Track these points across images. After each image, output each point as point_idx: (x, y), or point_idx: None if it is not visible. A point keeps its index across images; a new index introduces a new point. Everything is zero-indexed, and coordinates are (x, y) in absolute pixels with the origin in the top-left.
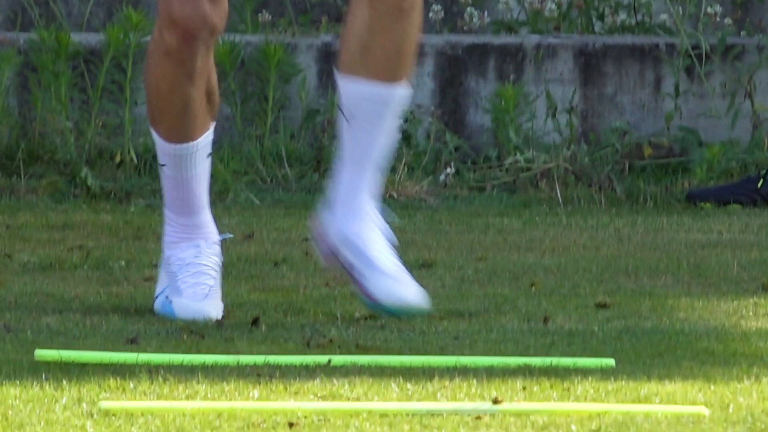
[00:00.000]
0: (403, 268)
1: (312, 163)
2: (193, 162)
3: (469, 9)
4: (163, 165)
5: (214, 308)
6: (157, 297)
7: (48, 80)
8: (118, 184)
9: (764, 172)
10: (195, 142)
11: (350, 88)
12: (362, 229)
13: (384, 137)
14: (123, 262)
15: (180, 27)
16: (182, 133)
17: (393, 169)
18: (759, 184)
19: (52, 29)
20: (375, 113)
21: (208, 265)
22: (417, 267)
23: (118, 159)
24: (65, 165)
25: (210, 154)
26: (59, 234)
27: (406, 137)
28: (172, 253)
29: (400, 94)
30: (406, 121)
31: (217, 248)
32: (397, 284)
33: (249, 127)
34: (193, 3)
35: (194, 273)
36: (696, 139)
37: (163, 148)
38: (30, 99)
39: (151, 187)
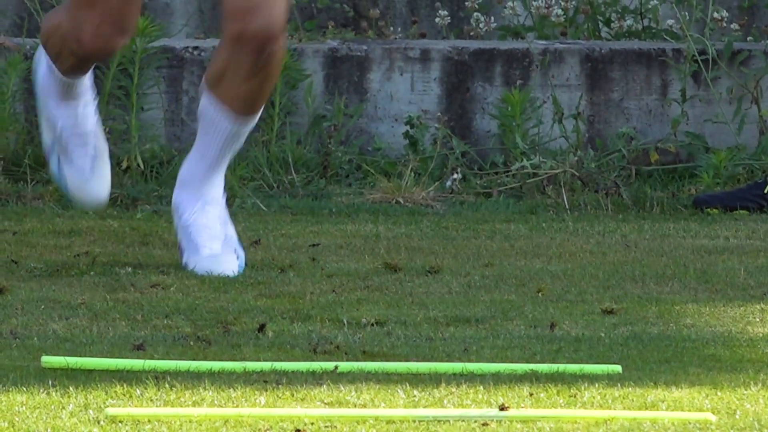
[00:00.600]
0: None
1: (319, 168)
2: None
3: (475, 14)
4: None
5: (101, 187)
6: (49, 154)
7: None
8: (124, 190)
9: None
10: (87, 74)
11: (204, 101)
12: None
13: (222, 148)
14: (129, 269)
15: (88, 52)
16: (78, 75)
17: (399, 175)
18: (766, 190)
19: None
20: (217, 131)
21: (90, 130)
22: (424, 273)
23: (124, 165)
24: None
25: None
26: (66, 240)
27: (412, 143)
28: (54, 110)
29: (241, 128)
30: (412, 126)
31: (93, 107)
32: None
33: (255, 132)
34: (105, 39)
35: (78, 135)
36: (703, 144)
37: (53, 70)
38: (36, 105)
39: (158, 194)
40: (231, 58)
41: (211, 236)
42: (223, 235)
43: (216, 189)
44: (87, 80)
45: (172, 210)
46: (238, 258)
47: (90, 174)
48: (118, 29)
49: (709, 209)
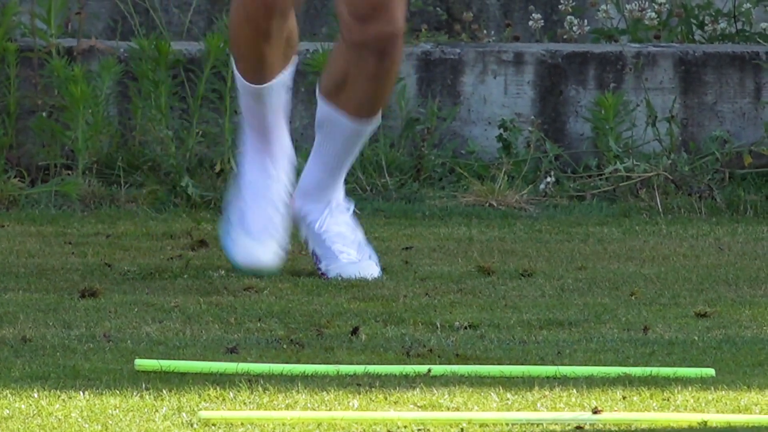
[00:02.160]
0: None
1: (412, 172)
2: (269, 97)
3: (569, 17)
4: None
5: (270, 253)
6: (223, 228)
7: (148, 89)
8: (218, 193)
9: None
10: (270, 83)
11: (323, 110)
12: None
13: (343, 154)
14: (223, 272)
15: (253, 8)
16: (257, 77)
17: (493, 178)
18: None
19: (152, 38)
20: (337, 136)
21: (276, 195)
22: (517, 276)
23: (218, 168)
24: (165, 174)
25: (290, 87)
26: (159, 243)
27: (505, 146)
28: (243, 166)
29: (363, 129)
30: (506, 129)
31: (286, 180)
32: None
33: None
34: None
35: (261, 204)
36: None
37: (240, 81)
38: (130, 108)
39: None
40: (350, 63)
41: (346, 243)
42: (356, 240)
43: (340, 194)
44: (282, 134)
45: (295, 219)
46: (371, 258)
47: (257, 239)
48: None
49: None
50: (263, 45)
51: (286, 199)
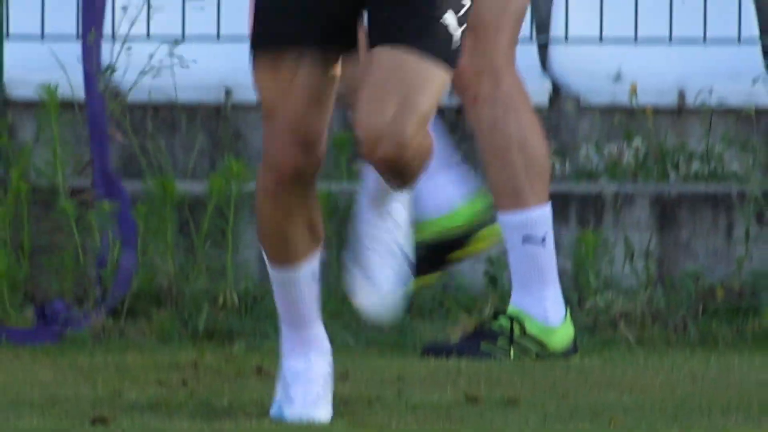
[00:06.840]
0: None
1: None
2: (297, 285)
3: (551, 159)
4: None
5: (321, 413)
6: (272, 406)
7: (155, 226)
8: (221, 326)
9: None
10: (295, 268)
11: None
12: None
13: None
14: (226, 401)
15: (273, 171)
16: (282, 260)
17: (480, 311)
18: (481, 347)
19: (159, 178)
20: None
21: (318, 374)
22: (503, 404)
23: (221, 301)
24: (172, 307)
25: (317, 277)
26: (165, 373)
27: (491, 280)
28: (286, 363)
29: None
30: (491, 264)
31: (328, 358)
32: None
33: (346, 271)
34: (286, 151)
35: (304, 383)
36: (766, 282)
37: (270, 269)
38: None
39: (253, 329)
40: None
41: None
42: None
43: None
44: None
45: None
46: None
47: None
48: (299, 141)
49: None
50: (283, 222)
51: (329, 371)
